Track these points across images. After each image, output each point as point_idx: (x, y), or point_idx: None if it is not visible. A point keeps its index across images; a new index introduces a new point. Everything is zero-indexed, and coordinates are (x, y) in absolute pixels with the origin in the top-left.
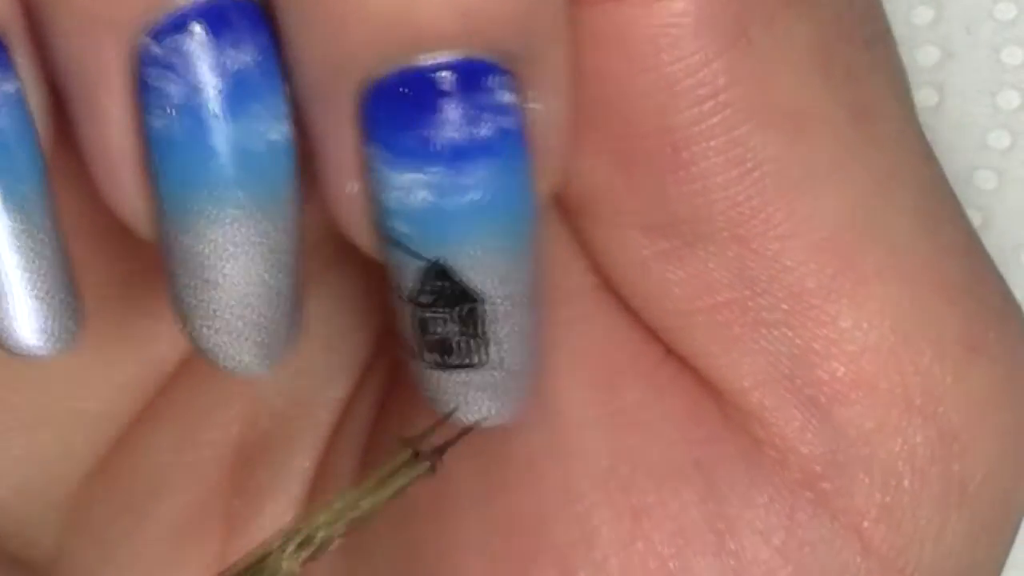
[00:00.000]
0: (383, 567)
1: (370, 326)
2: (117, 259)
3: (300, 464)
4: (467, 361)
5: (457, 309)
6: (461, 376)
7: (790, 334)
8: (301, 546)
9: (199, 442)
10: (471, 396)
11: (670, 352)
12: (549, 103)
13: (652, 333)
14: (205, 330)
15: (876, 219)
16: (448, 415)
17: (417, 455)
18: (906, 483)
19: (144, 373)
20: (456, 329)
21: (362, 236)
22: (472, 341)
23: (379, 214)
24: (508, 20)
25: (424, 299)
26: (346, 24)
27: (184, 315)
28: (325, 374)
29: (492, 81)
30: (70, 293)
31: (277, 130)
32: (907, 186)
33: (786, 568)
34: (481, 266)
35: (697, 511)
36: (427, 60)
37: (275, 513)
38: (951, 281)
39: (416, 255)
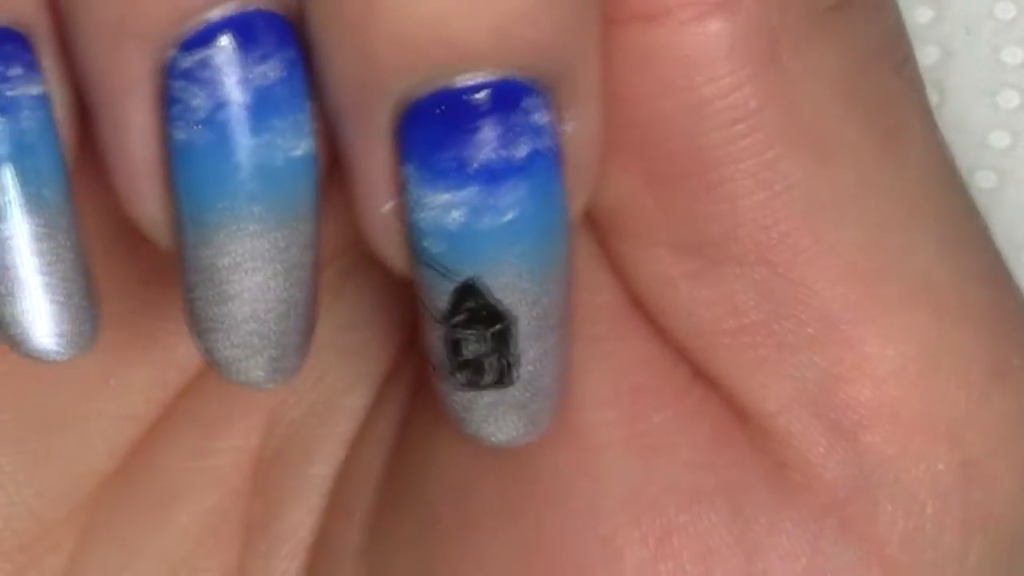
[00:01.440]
0: None
1: (391, 336)
2: (139, 261)
3: (319, 472)
4: (498, 381)
5: (489, 329)
6: (490, 396)
7: (815, 358)
8: None
9: (219, 448)
10: (499, 416)
11: (698, 374)
12: (582, 123)
13: (680, 355)
14: (219, 343)
15: (902, 245)
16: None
17: None
18: (929, 510)
19: (164, 375)
20: (487, 349)
21: (395, 256)
22: (503, 361)
23: (412, 234)
24: (543, 40)
25: (456, 319)
26: (378, 46)
27: (198, 327)
28: (345, 383)
29: (528, 102)
30: (87, 297)
31: (300, 146)
32: (932, 212)
33: None
34: (513, 286)
35: (726, 532)
36: (463, 81)
37: (293, 520)
38: (976, 307)
39: (449, 275)
